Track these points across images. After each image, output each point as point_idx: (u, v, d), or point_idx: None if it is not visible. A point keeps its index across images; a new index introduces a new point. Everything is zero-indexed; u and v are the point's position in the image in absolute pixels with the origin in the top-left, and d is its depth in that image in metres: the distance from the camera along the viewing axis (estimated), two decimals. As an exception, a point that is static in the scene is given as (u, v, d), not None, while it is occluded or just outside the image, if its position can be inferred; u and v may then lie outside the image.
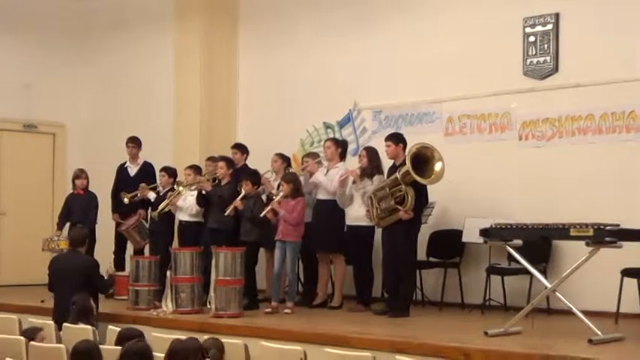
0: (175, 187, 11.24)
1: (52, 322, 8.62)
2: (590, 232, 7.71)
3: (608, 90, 9.79)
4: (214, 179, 11.01)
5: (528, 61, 10.41)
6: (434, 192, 9.95)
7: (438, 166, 9.45)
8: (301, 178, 10.52)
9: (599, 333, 7.69)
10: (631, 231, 7.84)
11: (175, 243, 11.29)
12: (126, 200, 11.87)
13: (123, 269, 11.85)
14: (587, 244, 7.80)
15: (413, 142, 9.69)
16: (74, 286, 9.32)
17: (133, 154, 12.45)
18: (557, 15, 10.23)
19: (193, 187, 11.06)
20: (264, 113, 12.79)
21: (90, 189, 12.29)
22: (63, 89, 14.45)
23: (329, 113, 12.07)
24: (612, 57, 9.79)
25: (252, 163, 11.42)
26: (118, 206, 12.23)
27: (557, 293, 8.31)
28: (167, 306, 10.03)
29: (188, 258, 10.07)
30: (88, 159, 13.64)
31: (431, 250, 10.77)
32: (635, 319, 9.10)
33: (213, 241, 10.17)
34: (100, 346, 6.65)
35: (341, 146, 10.72)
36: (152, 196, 11.76)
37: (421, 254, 10.38)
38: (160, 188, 11.70)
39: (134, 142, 12.44)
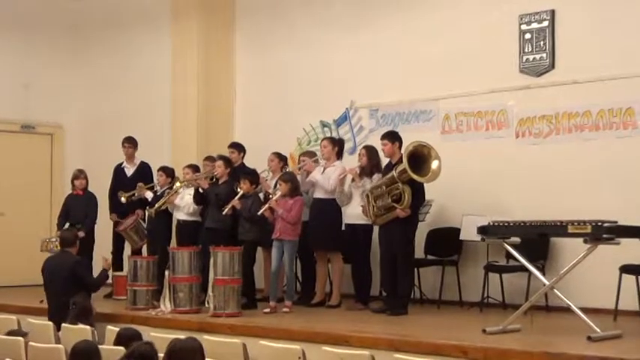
0: (173, 183, 11.23)
1: (50, 323, 8.63)
2: (588, 229, 7.71)
3: (604, 86, 9.79)
4: (212, 178, 11.01)
5: (524, 58, 10.41)
6: (431, 190, 9.93)
7: (434, 164, 9.44)
8: (298, 177, 10.52)
9: (598, 330, 7.68)
10: (629, 227, 7.85)
11: (173, 242, 11.29)
12: (123, 200, 11.86)
13: (121, 269, 11.86)
14: (585, 241, 7.81)
15: (410, 140, 9.68)
16: (65, 286, 9.45)
17: (129, 154, 12.43)
18: (552, 12, 10.23)
19: (191, 184, 11.06)
20: (260, 112, 12.78)
21: (89, 189, 12.29)
22: (60, 90, 14.43)
23: (326, 112, 12.06)
24: (608, 53, 9.79)
25: (249, 162, 11.42)
26: (115, 206, 12.22)
27: (555, 290, 8.31)
28: (165, 306, 10.01)
29: (186, 257, 10.07)
30: (85, 159, 13.62)
31: (429, 248, 10.77)
32: (633, 316, 9.09)
33: (211, 240, 10.15)
34: (99, 347, 6.64)
35: (337, 145, 10.70)
36: (149, 195, 11.74)
37: (419, 252, 10.37)
38: (158, 188, 11.69)
39: (130, 142, 12.42)
